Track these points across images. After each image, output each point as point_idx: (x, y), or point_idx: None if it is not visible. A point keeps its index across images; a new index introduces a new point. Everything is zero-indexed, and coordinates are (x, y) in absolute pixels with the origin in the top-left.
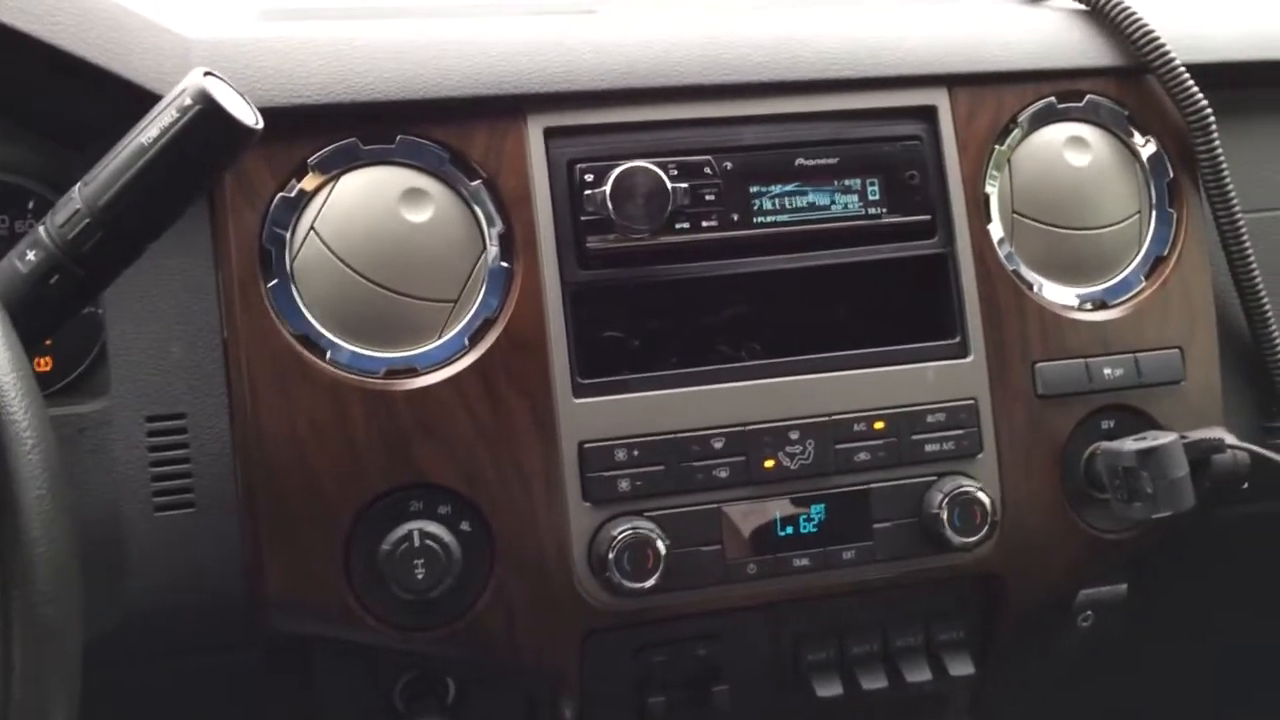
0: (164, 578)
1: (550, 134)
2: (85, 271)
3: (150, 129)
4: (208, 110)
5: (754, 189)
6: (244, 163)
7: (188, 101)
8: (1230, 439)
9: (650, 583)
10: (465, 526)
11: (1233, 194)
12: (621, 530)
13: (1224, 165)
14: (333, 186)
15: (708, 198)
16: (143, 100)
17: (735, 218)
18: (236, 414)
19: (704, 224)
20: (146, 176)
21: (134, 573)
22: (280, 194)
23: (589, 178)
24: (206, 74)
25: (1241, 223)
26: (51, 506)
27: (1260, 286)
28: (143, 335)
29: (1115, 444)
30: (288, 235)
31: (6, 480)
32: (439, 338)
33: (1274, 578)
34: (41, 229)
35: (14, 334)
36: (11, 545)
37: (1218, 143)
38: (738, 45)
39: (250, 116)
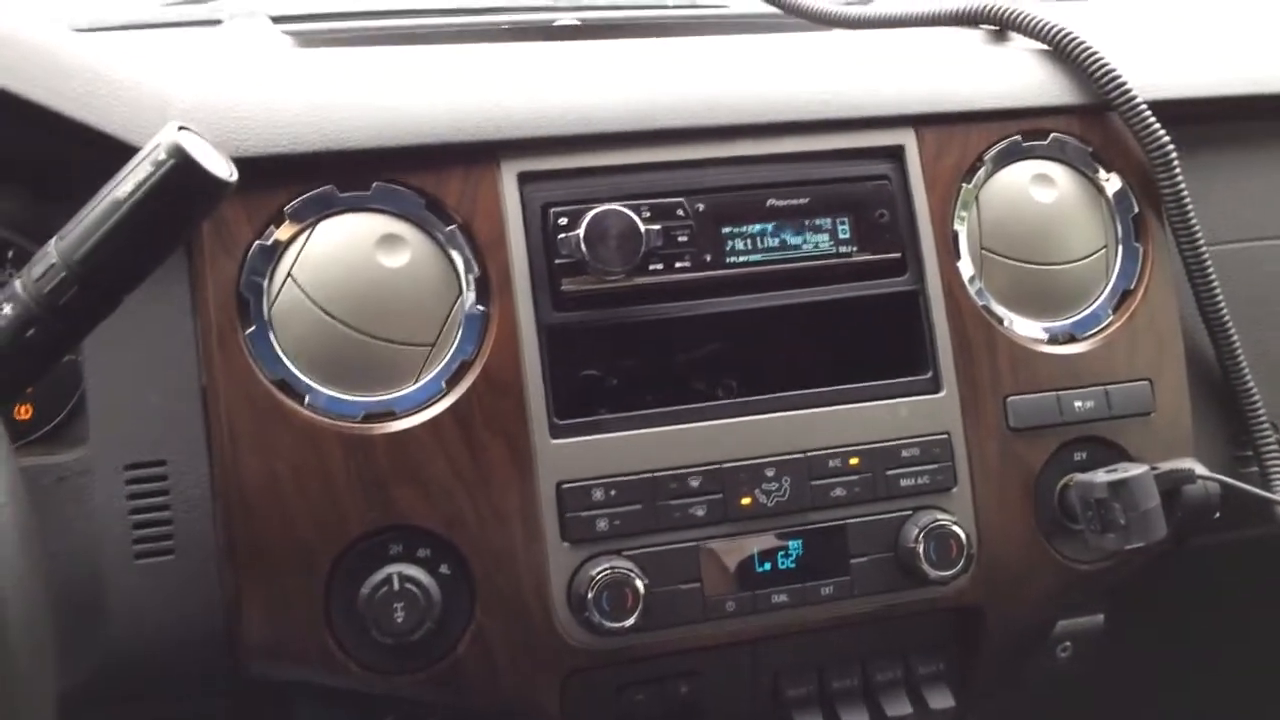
0: (143, 625)
1: (524, 179)
2: (62, 325)
3: (125, 183)
4: (182, 164)
5: (726, 230)
6: (221, 211)
7: (162, 156)
8: (1200, 469)
9: (630, 622)
10: (444, 569)
11: (1197, 228)
12: (600, 570)
13: (1187, 199)
14: (309, 233)
15: (680, 239)
16: (121, 153)
17: (708, 258)
18: (216, 460)
19: (677, 265)
20: (122, 230)
21: (113, 620)
22: (257, 242)
23: (563, 221)
24: (181, 128)
25: (1206, 255)
26: (23, 564)
27: (1227, 318)
28: (121, 383)
29: (1087, 476)
30: (265, 283)
31: None
32: (416, 381)
33: (1248, 604)
34: (18, 283)
35: None
36: None
37: (1180, 178)
38: (707, 89)
39: (224, 169)
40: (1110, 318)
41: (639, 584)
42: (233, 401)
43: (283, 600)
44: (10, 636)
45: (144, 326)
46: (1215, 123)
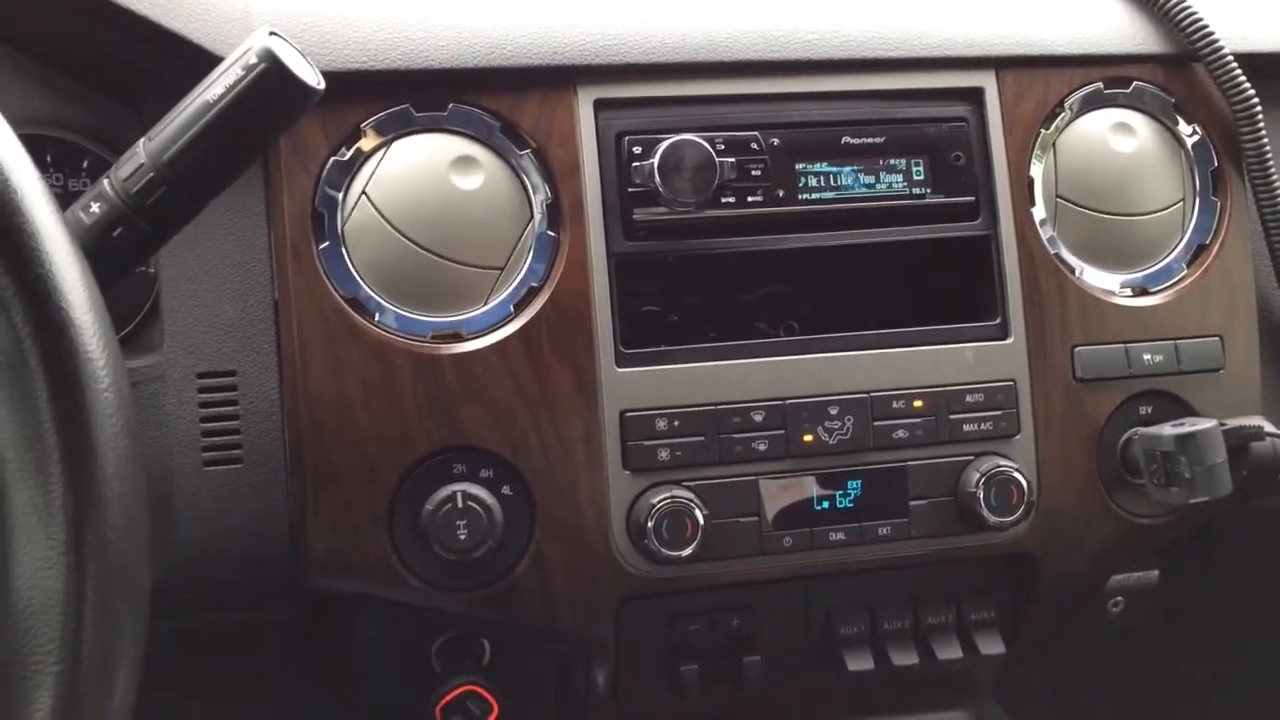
0: (210, 531)
1: (600, 106)
2: (148, 225)
3: (215, 86)
4: (272, 69)
5: (800, 166)
6: (298, 126)
7: (253, 60)
8: (1269, 427)
9: (688, 551)
10: (507, 490)
11: (1277, 184)
12: (661, 499)
13: (1269, 155)
14: (385, 152)
15: (754, 173)
16: (202, 61)
17: (781, 194)
18: (286, 373)
19: (750, 199)
20: (210, 133)
21: (181, 525)
22: (333, 158)
23: (637, 150)
24: (271, 34)
25: None
26: (125, 444)
27: None
28: (195, 294)
29: (1154, 429)
30: (340, 198)
31: (83, 417)
32: (485, 304)
33: None
34: (106, 182)
35: (91, 275)
36: (86, 481)
37: (1264, 132)
38: (788, 22)
39: (313, 77)
40: (1184, 272)
41: (698, 514)
42: (304, 316)
43: (347, 514)
44: (111, 516)
45: (219, 239)
46: None
